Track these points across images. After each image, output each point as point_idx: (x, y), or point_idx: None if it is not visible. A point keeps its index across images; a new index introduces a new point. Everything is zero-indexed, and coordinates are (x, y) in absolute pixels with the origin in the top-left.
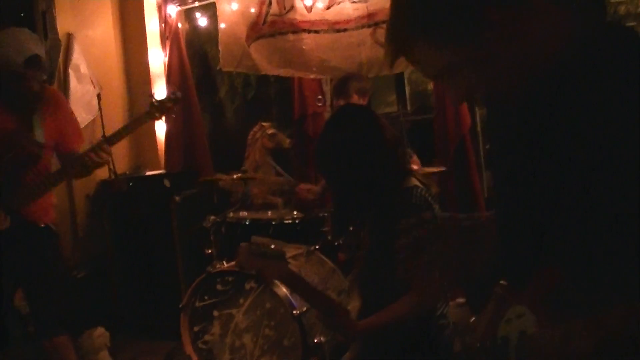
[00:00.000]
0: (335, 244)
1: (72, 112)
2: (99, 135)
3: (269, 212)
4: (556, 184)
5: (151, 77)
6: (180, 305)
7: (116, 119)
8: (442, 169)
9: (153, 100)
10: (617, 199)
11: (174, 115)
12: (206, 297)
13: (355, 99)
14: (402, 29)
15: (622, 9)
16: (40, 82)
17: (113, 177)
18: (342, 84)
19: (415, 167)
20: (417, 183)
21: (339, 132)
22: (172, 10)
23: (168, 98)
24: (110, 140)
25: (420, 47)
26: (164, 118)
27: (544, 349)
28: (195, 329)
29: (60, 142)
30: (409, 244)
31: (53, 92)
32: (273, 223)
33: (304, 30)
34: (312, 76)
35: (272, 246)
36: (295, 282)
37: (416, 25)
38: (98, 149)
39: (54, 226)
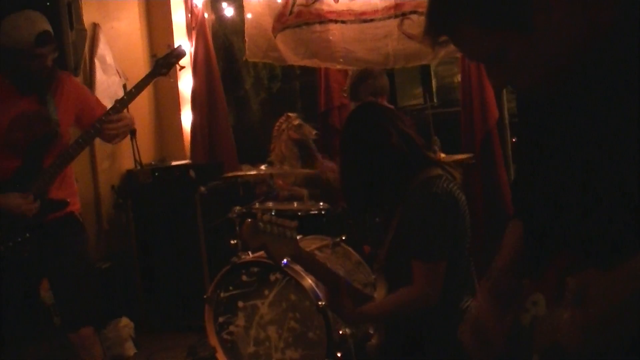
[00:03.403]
0: (363, 236)
1: (86, 88)
2: None
3: (295, 204)
4: (585, 174)
5: (177, 67)
6: (205, 296)
7: (142, 109)
8: (469, 155)
9: (157, 57)
10: None
11: (179, 68)
12: (231, 288)
13: (371, 100)
14: (452, 6)
15: None
16: (52, 59)
17: (139, 167)
18: (355, 87)
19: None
20: (441, 172)
21: (347, 130)
22: (199, 0)
23: (171, 53)
24: (121, 104)
25: (469, 27)
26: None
27: (553, 329)
28: (220, 320)
29: (81, 118)
30: None
31: (62, 72)
32: (299, 214)
33: (331, 21)
34: (338, 67)
35: (280, 223)
36: (306, 261)
37: (469, 5)
38: (107, 116)
39: (80, 216)
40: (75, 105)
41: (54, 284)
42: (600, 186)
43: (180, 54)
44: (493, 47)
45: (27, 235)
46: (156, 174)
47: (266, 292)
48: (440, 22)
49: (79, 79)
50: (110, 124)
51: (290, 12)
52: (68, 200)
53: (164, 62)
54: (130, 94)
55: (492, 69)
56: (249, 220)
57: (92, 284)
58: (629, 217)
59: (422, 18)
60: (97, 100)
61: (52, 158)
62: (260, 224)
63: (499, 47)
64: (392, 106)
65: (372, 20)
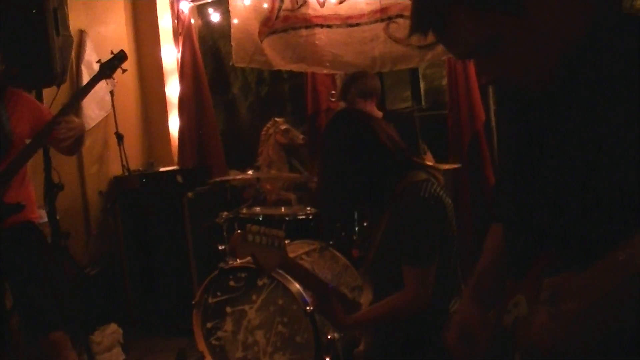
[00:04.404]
0: (351, 240)
1: (40, 103)
2: (112, 131)
3: (283, 208)
4: (565, 176)
5: (164, 73)
6: (193, 302)
7: (129, 115)
8: (457, 165)
9: (100, 61)
10: (630, 189)
11: (122, 72)
12: (219, 294)
13: (360, 103)
14: None
15: (638, 3)
16: None
17: (126, 173)
18: (346, 87)
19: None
20: (427, 177)
21: (327, 137)
22: (185, 6)
23: (114, 57)
24: (65, 110)
25: (461, 13)
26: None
27: (530, 328)
28: (208, 325)
29: (35, 130)
30: None
31: (15, 89)
32: (287, 219)
33: (317, 25)
34: (325, 71)
35: (268, 233)
36: (294, 270)
37: None
38: (56, 119)
39: (38, 223)
40: (29, 117)
41: (13, 291)
42: (584, 187)
43: (122, 58)
44: (485, 35)
45: None
46: (144, 179)
47: (254, 297)
48: (430, 11)
49: (66, 85)
50: (59, 126)
51: (277, 17)
52: (23, 203)
53: (108, 65)
54: (76, 98)
55: (483, 62)
56: (238, 232)
57: (58, 290)
58: (614, 219)
59: (408, 21)
60: (50, 114)
61: (4, 166)
62: (250, 235)
63: (492, 36)
64: (381, 113)
65: (358, 24)
